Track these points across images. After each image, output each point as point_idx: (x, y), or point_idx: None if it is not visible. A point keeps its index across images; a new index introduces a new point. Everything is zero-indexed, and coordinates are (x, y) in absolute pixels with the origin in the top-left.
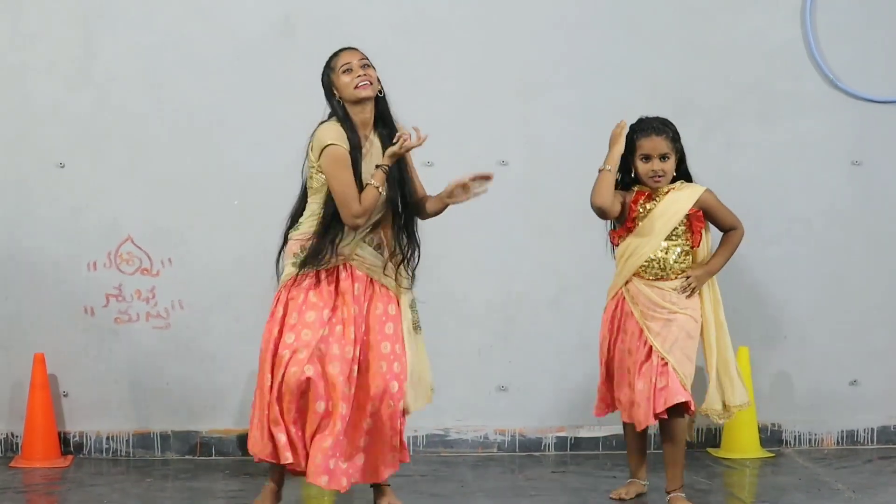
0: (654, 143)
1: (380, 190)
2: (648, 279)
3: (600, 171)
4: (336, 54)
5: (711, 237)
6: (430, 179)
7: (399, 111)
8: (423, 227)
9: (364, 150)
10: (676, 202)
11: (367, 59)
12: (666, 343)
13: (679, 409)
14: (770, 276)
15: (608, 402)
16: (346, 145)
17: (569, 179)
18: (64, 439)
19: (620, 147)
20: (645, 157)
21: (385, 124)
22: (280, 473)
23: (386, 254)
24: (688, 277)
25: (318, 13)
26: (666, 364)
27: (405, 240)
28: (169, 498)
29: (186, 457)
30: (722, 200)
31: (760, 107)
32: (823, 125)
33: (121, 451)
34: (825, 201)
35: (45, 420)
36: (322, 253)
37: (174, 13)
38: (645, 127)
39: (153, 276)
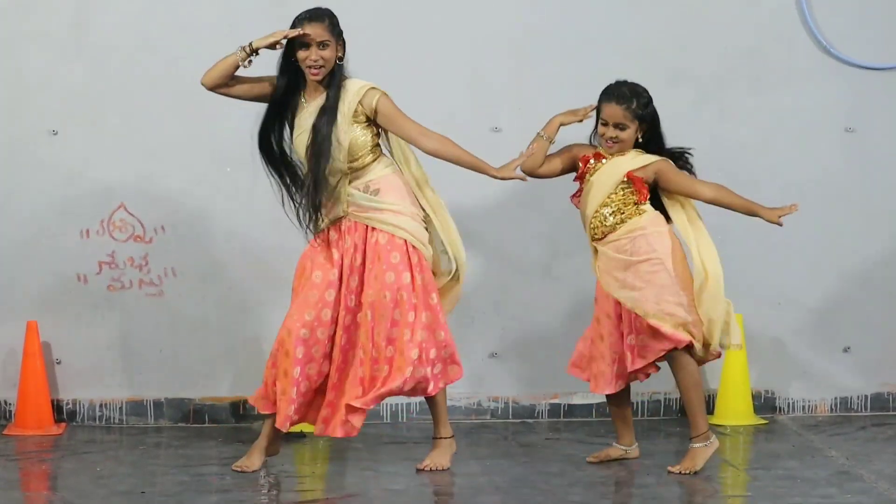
0: (611, 111)
1: None
2: (603, 239)
3: (537, 134)
4: (301, 20)
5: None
6: None
7: (391, 78)
8: None
9: (300, 110)
10: (616, 166)
11: (327, 35)
12: (641, 304)
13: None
14: (763, 244)
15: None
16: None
17: (561, 147)
18: (57, 407)
19: (568, 119)
20: (604, 121)
21: (336, 88)
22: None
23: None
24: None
25: None
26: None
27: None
28: (162, 465)
29: (180, 424)
30: (715, 168)
31: (753, 74)
32: (817, 92)
33: (114, 418)
34: (818, 168)
35: (38, 388)
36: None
37: None
38: (609, 92)
39: (146, 244)
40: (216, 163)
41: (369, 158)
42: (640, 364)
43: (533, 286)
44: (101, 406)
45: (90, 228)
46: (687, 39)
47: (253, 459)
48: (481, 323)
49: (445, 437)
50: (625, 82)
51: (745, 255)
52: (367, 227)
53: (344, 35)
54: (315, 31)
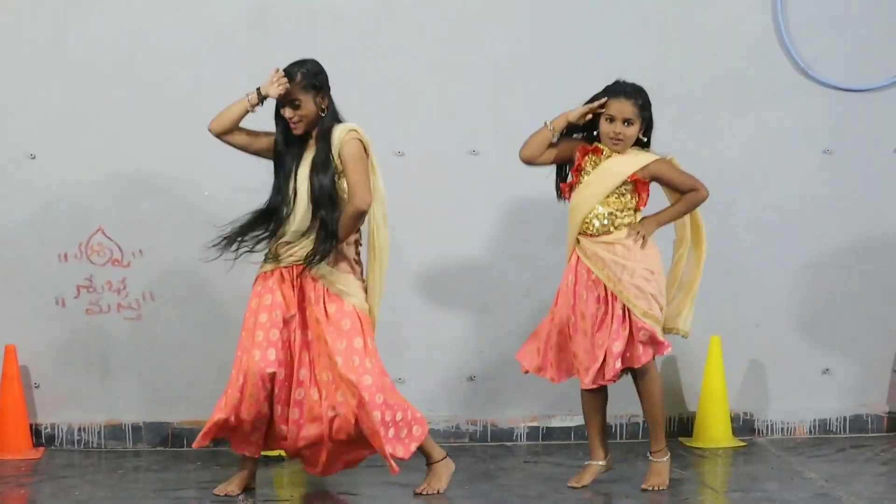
0: (621, 106)
1: None
2: (592, 235)
3: (544, 124)
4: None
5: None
6: (400, 169)
7: (369, 100)
8: (396, 216)
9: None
10: (620, 164)
11: (297, 92)
12: (628, 292)
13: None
14: (742, 264)
15: (545, 364)
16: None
17: (540, 168)
18: (35, 431)
19: (576, 115)
20: (610, 118)
21: (324, 139)
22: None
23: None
24: (635, 227)
25: (289, 3)
26: (629, 318)
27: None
28: (141, 489)
29: (158, 448)
30: None
31: (733, 95)
32: (795, 114)
33: (92, 442)
34: (797, 190)
35: (17, 412)
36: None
37: (147, 4)
38: (617, 89)
39: (124, 268)
40: (193, 186)
41: None
42: (618, 368)
43: (512, 309)
44: (79, 430)
45: (68, 252)
46: (667, 60)
47: (234, 485)
48: (459, 346)
49: (438, 461)
50: (625, 81)
51: (723, 276)
52: (314, 279)
53: (328, 83)
54: (289, 90)
